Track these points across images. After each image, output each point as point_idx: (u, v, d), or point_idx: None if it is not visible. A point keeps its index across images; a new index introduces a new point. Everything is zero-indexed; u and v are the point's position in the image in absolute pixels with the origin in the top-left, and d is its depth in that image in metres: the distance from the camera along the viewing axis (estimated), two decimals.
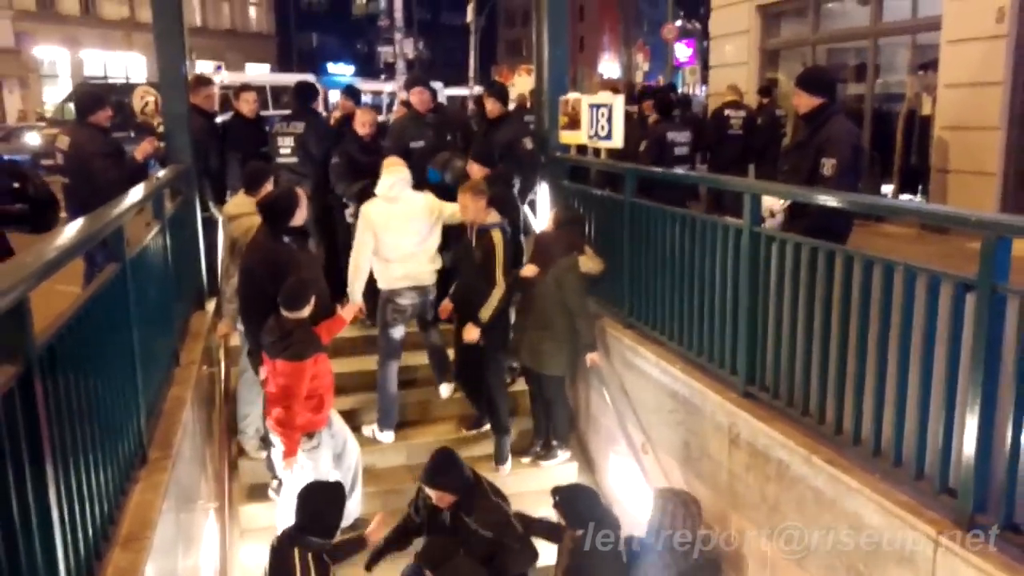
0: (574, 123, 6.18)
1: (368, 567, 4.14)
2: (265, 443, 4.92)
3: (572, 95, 6.36)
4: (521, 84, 12.90)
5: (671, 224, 4.54)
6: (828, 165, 3.93)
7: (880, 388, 3.08)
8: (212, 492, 4.70)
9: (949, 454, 2.77)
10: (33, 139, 17.77)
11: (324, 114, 8.15)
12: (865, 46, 9.93)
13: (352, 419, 5.27)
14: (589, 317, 5.18)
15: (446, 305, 5.33)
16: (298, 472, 4.30)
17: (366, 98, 13.84)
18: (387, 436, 5.43)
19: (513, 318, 5.45)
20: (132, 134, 9.77)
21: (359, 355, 5.94)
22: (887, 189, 9.33)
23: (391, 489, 5.17)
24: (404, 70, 25.94)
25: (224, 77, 19.34)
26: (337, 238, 6.28)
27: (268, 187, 5.00)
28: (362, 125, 6.08)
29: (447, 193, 5.43)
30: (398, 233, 5.15)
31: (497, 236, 5.00)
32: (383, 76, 32.29)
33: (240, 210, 5.04)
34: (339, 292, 5.30)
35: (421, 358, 5.76)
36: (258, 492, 5.13)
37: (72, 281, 3.91)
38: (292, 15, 41.81)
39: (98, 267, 3.81)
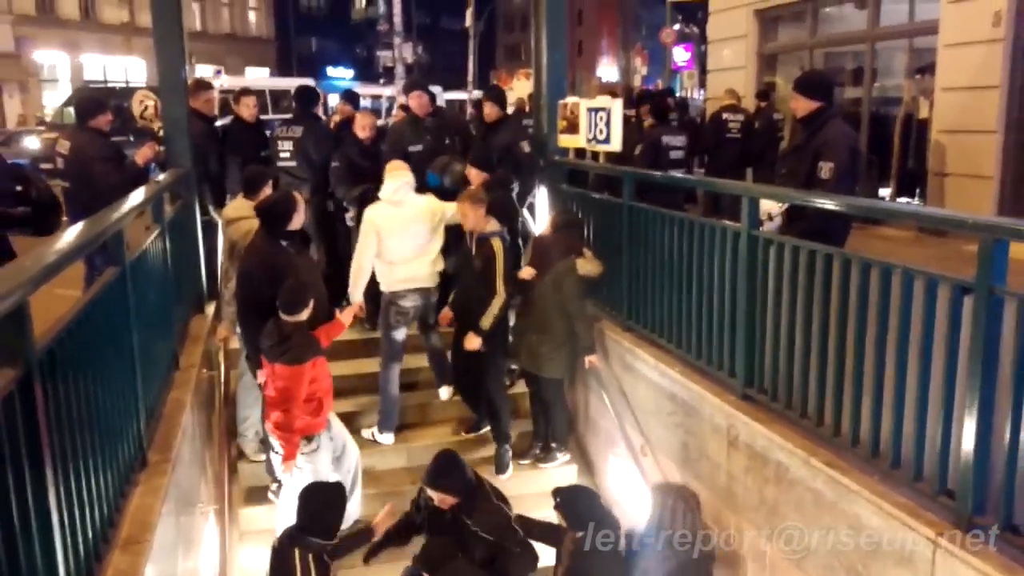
0: (572, 127, 6.19)
1: (366, 559, 4.14)
2: (264, 446, 4.93)
3: (571, 99, 6.38)
4: (520, 88, 12.88)
5: (669, 227, 4.55)
6: (826, 168, 3.93)
7: (878, 390, 3.08)
8: (212, 495, 4.70)
9: (948, 455, 2.78)
10: (33, 143, 17.72)
11: (324, 118, 8.15)
12: (862, 50, 9.95)
13: (351, 422, 5.28)
14: (588, 320, 5.19)
15: (446, 313, 5.34)
16: (297, 475, 4.30)
17: (365, 102, 13.85)
18: (387, 438, 5.45)
19: (512, 321, 5.46)
20: (131, 138, 9.81)
21: (358, 358, 5.94)
22: (885, 192, 9.35)
23: (391, 491, 5.16)
24: (403, 74, 26.00)
25: (224, 81, 19.31)
26: (337, 242, 6.30)
27: (267, 191, 5.00)
28: (362, 128, 6.09)
29: (446, 197, 5.45)
30: (402, 236, 5.17)
31: (497, 244, 5.00)
32: (382, 80, 32.39)
33: (239, 214, 5.05)
34: (338, 296, 5.32)
35: (422, 361, 5.77)
36: (257, 495, 5.14)
37: (72, 285, 3.91)
38: (291, 19, 41.84)
39: (98, 270, 3.81)
